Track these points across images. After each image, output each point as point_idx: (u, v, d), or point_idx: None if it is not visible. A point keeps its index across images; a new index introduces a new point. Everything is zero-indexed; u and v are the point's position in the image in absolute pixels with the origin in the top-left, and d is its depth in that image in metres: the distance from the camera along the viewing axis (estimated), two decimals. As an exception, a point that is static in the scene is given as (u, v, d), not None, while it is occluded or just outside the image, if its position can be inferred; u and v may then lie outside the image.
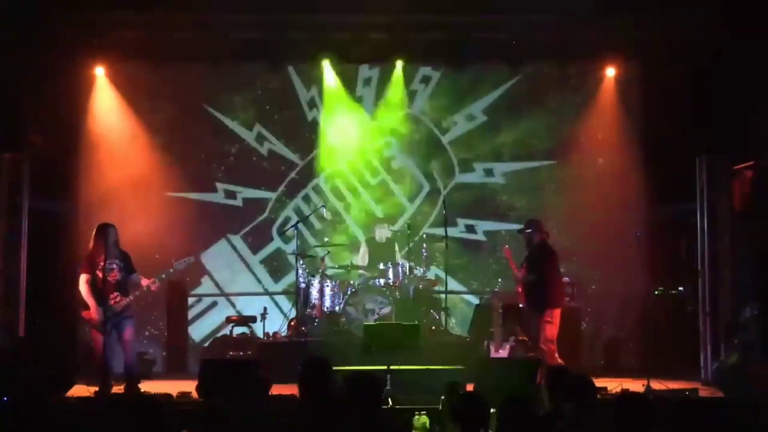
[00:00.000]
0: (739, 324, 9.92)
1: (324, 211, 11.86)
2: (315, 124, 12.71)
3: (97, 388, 8.83)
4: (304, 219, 11.93)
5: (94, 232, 9.22)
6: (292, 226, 11.60)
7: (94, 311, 8.94)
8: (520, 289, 9.75)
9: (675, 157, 11.15)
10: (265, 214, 12.66)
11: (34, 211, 10.62)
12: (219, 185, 12.59)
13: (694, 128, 10.77)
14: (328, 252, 11.65)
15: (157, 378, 10.69)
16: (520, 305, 10.18)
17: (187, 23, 11.41)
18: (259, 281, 12.64)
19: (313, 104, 12.72)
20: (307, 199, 12.66)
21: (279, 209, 12.67)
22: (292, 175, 12.71)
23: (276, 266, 12.60)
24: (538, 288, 9.58)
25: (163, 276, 9.28)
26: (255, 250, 12.64)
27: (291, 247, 11.64)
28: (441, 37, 11.75)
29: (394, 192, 12.80)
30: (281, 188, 12.69)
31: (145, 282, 9.18)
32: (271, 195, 12.68)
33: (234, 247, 12.62)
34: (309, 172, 12.72)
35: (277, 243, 12.56)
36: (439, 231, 11.76)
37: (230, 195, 12.63)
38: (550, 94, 12.53)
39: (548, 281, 9.61)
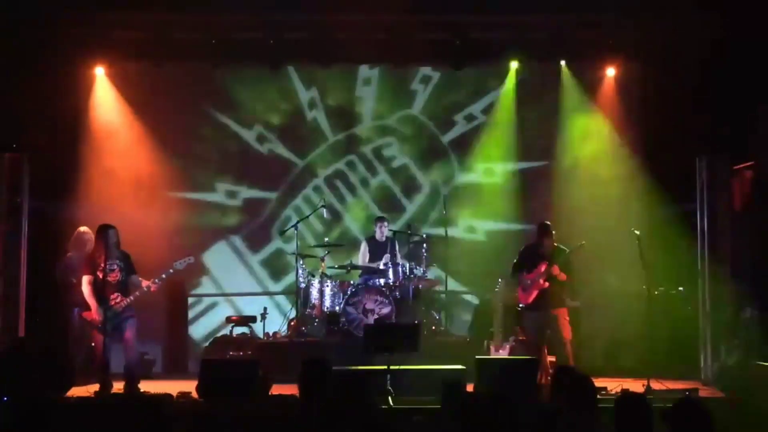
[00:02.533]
0: (739, 324, 9.92)
1: (324, 211, 11.86)
2: (315, 123, 12.72)
3: (97, 388, 8.84)
4: (304, 219, 11.92)
5: (95, 234, 9.23)
6: (292, 226, 11.60)
7: (95, 312, 8.97)
8: (536, 291, 9.59)
9: (675, 157, 11.14)
10: (265, 214, 12.66)
11: (34, 211, 10.62)
12: (219, 185, 12.59)
13: (694, 128, 10.77)
14: (328, 252, 11.65)
15: (157, 378, 10.68)
16: (520, 306, 10.16)
17: (187, 23, 11.41)
18: (259, 281, 12.65)
19: (313, 104, 12.71)
20: (307, 199, 12.66)
21: (279, 209, 12.66)
22: (292, 175, 12.72)
23: (276, 266, 12.60)
24: (562, 287, 9.64)
25: (164, 276, 9.30)
26: (255, 250, 12.64)
27: (291, 247, 11.64)
28: (441, 37, 11.75)
29: (394, 192, 12.80)
30: (281, 188, 12.69)
31: (145, 283, 9.19)
32: (271, 195, 12.69)
33: (234, 247, 12.62)
34: (309, 172, 12.73)
35: (277, 243, 12.55)
36: (440, 231, 11.74)
37: (230, 195, 12.63)
38: (549, 94, 12.53)
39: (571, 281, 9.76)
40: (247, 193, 12.64)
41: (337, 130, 12.77)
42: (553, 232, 9.76)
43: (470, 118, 12.78)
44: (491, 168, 12.79)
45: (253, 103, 12.63)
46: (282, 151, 12.70)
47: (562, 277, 9.54)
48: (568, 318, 9.62)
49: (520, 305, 10.08)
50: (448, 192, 12.57)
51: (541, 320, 9.60)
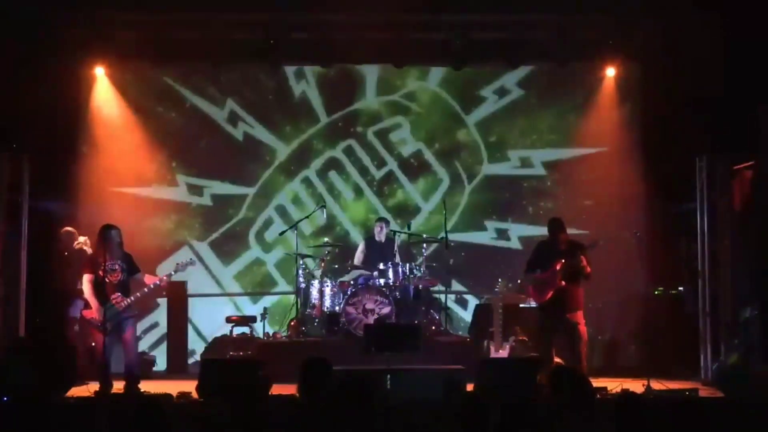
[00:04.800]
0: (739, 324, 9.91)
1: (324, 211, 11.79)
2: (304, 101, 12.43)
3: (97, 388, 8.84)
4: (302, 220, 11.85)
5: (97, 234, 9.24)
6: (291, 227, 11.57)
7: (95, 311, 8.97)
8: (552, 290, 9.23)
9: (675, 157, 11.14)
10: (266, 214, 12.60)
11: (34, 211, 10.62)
12: (218, 184, 12.56)
13: (694, 128, 10.77)
14: (328, 252, 11.63)
15: (157, 378, 10.68)
16: (523, 305, 10.08)
17: (187, 23, 11.41)
18: (260, 281, 12.61)
19: (301, 77, 12.43)
20: (294, 196, 12.44)
21: (262, 206, 12.41)
22: (296, 175, 12.64)
23: (275, 266, 12.55)
24: (579, 288, 9.32)
25: (165, 277, 9.31)
26: (266, 250, 12.52)
27: (291, 248, 11.61)
28: (441, 37, 11.75)
29: (404, 185, 12.40)
30: (259, 183, 12.50)
31: (150, 280, 9.20)
32: (249, 191, 12.50)
33: (234, 247, 12.59)
34: (296, 161, 12.40)
35: (276, 243, 12.46)
36: (462, 236, 11.61)
37: (230, 194, 12.60)
38: (549, 95, 12.52)
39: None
40: (246, 192, 12.62)
41: (333, 109, 12.38)
42: (564, 227, 9.42)
43: (503, 91, 12.21)
44: (491, 168, 12.74)
45: (253, 104, 12.59)
46: (262, 135, 12.30)
47: (588, 270, 9.14)
48: (584, 321, 9.32)
49: (525, 305, 10.01)
50: (447, 192, 12.43)
51: (555, 321, 9.30)
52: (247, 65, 12.15)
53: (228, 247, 12.24)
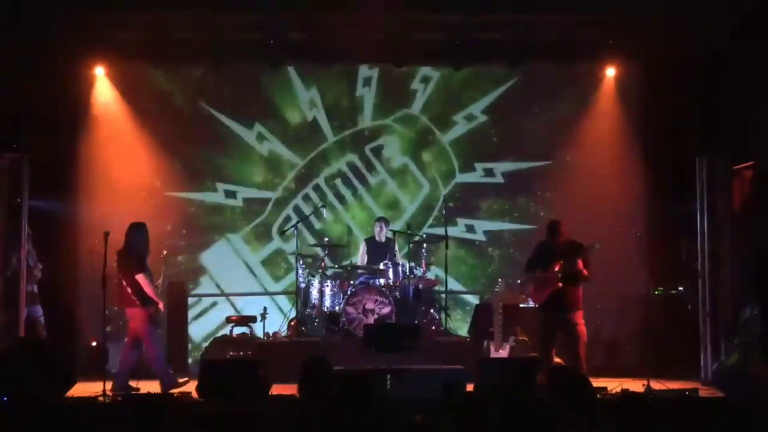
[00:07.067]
0: (739, 324, 9.91)
1: (324, 211, 11.83)
2: (315, 123, 12.71)
3: (97, 388, 8.85)
4: (304, 219, 11.90)
5: (135, 230, 9.29)
6: (292, 226, 11.59)
7: (162, 306, 9.32)
8: (549, 291, 9.20)
9: (675, 157, 11.14)
10: (265, 214, 12.64)
11: (34, 211, 10.63)
12: (219, 185, 12.58)
13: (694, 128, 10.77)
14: (328, 252, 11.64)
15: (157, 378, 10.67)
16: (523, 305, 10.08)
17: (187, 23, 11.41)
18: (259, 281, 12.63)
19: (313, 104, 12.69)
20: (307, 198, 12.63)
21: (279, 209, 12.63)
22: (292, 175, 12.69)
23: (276, 266, 12.58)
24: (578, 288, 9.28)
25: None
26: (255, 250, 12.63)
27: (291, 247, 11.62)
28: (441, 37, 11.75)
29: (394, 192, 12.79)
30: (281, 188, 12.67)
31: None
32: (271, 195, 12.66)
33: (234, 247, 12.61)
34: (309, 171, 12.70)
35: (277, 243, 12.53)
36: (440, 231, 11.72)
37: (230, 195, 12.61)
38: (549, 95, 12.52)
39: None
40: (247, 192, 12.63)
41: (337, 130, 12.71)
42: (562, 230, 9.37)
43: (470, 118, 12.75)
44: (491, 168, 12.77)
45: (253, 103, 12.62)
46: (282, 150, 12.67)
47: (585, 272, 9.14)
48: (582, 321, 9.29)
49: (525, 305, 10.00)
50: (448, 192, 12.56)
51: (553, 322, 9.27)
52: (252, 68, 12.21)
53: (256, 239, 12.55)
